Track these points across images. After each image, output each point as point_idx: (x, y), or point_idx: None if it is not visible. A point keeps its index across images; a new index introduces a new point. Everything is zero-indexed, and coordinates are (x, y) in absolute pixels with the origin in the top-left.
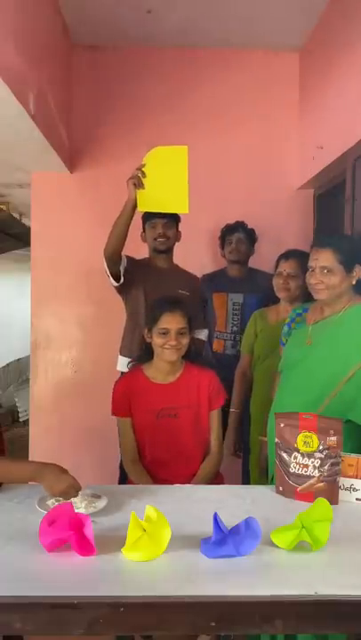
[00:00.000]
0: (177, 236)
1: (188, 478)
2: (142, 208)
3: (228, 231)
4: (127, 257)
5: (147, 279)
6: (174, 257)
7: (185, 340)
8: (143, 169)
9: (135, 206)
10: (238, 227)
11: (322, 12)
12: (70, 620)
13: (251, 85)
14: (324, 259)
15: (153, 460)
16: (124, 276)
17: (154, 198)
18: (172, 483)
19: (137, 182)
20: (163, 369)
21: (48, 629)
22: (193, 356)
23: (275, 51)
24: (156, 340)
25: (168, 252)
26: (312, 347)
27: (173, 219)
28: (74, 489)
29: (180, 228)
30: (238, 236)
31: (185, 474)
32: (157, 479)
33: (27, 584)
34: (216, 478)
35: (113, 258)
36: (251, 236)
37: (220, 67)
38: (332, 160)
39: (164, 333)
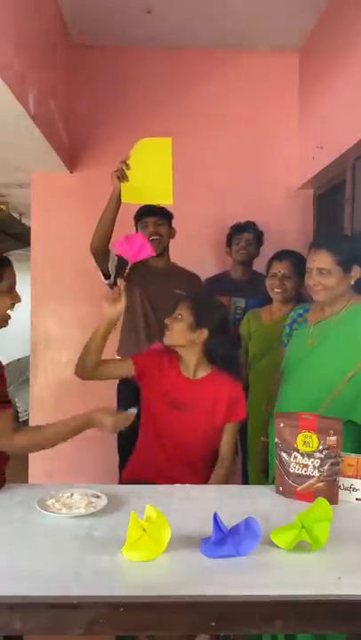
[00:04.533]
0: (171, 234)
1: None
2: (126, 200)
3: (238, 230)
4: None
5: (143, 280)
6: (173, 256)
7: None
8: (128, 161)
9: (120, 199)
10: (249, 227)
11: (322, 12)
12: (70, 619)
13: (251, 85)
14: (321, 260)
15: (154, 447)
16: (116, 275)
17: (138, 190)
18: (165, 479)
19: (120, 175)
20: (187, 362)
21: (48, 629)
22: (221, 361)
23: (274, 51)
24: None
25: (163, 252)
26: (314, 347)
27: (165, 216)
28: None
29: (173, 225)
30: (247, 237)
31: (180, 475)
32: (151, 472)
33: (27, 584)
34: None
35: (98, 253)
36: (259, 238)
37: (219, 67)
38: (331, 160)
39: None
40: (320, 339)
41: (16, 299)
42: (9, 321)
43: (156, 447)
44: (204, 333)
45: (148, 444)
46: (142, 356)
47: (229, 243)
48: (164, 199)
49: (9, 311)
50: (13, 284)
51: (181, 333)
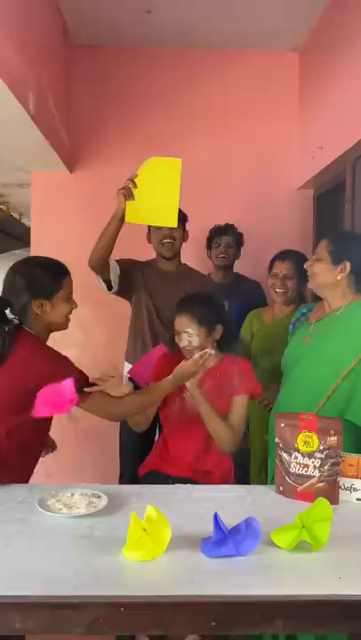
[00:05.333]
0: (184, 237)
1: (193, 465)
2: (130, 220)
3: (217, 233)
4: (122, 262)
5: (151, 283)
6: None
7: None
8: (136, 179)
9: (123, 217)
10: (228, 229)
11: (321, 12)
12: (70, 619)
13: (250, 85)
14: (319, 247)
15: (169, 432)
16: (120, 283)
17: (143, 210)
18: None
19: (127, 193)
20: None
21: (48, 629)
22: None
23: (274, 51)
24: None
25: (173, 256)
26: (310, 344)
27: (180, 219)
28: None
29: (186, 227)
30: (227, 240)
31: (192, 458)
32: (169, 450)
33: (27, 584)
34: (229, 474)
35: (97, 268)
36: (239, 240)
37: (219, 67)
38: (332, 160)
39: (177, 334)
40: (317, 336)
41: (74, 305)
42: (68, 323)
43: (175, 440)
44: (220, 330)
45: (166, 440)
46: (152, 374)
47: (209, 245)
48: (169, 222)
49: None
50: (71, 291)
51: (201, 343)
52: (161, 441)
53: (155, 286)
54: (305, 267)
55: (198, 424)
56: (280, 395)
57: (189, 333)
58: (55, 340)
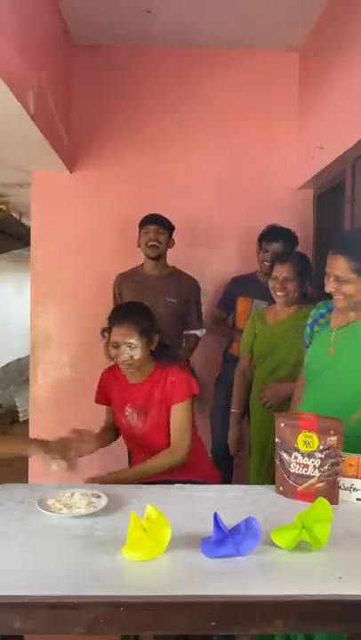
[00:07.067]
0: (170, 243)
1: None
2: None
3: (269, 238)
4: (116, 284)
5: (135, 289)
6: (173, 258)
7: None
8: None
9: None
10: (279, 237)
11: (321, 12)
12: (70, 619)
13: (250, 85)
14: (337, 267)
15: (131, 448)
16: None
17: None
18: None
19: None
20: (130, 372)
21: (48, 629)
22: (166, 353)
23: (274, 51)
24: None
25: (159, 258)
26: (336, 356)
27: (165, 226)
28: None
29: (173, 236)
30: (276, 248)
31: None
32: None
33: (27, 584)
34: (214, 478)
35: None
36: (292, 248)
37: (219, 67)
38: (332, 160)
39: (115, 347)
40: (342, 348)
41: None
42: None
43: (137, 456)
44: (157, 339)
45: (133, 458)
46: (97, 393)
47: (260, 245)
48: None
49: None
50: None
51: (142, 355)
52: (130, 457)
53: (138, 291)
54: (327, 290)
55: (152, 435)
56: (304, 406)
57: (131, 345)
58: (55, 340)
